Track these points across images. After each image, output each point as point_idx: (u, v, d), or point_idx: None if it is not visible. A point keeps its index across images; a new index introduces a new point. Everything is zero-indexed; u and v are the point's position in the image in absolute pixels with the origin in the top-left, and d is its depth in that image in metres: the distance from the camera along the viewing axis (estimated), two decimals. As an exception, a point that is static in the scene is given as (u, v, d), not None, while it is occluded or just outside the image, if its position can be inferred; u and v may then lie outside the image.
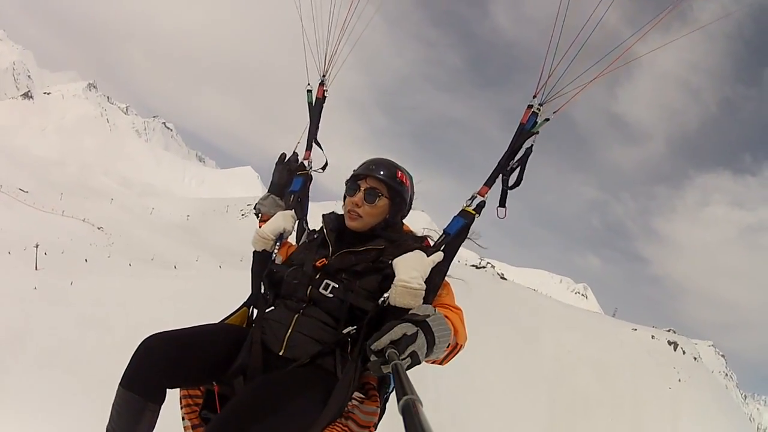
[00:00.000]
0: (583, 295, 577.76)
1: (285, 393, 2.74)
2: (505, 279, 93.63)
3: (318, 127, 4.34)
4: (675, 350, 75.00)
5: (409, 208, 3.62)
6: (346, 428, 2.87)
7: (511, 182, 3.40)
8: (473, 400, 37.86)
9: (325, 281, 3.20)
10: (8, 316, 23.03)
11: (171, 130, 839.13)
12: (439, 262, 3.18)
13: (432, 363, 2.95)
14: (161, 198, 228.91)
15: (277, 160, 4.27)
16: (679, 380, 66.45)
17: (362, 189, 3.38)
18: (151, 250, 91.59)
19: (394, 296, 2.93)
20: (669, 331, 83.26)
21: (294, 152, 4.30)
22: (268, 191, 4.26)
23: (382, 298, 3.04)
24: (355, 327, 3.07)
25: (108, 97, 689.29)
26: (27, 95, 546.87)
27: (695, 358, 78.23)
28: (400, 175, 3.45)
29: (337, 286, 3.17)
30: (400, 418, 1.50)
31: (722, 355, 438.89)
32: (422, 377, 32.04)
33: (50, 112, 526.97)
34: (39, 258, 46.13)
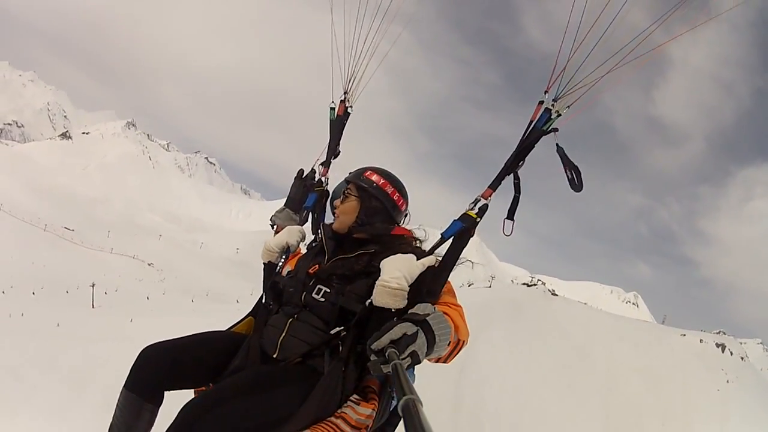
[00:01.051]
0: (634, 303, 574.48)
1: (267, 382, 2.88)
2: (557, 295, 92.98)
3: (339, 144, 4.36)
4: (723, 352, 73.75)
5: (398, 213, 3.59)
6: (335, 428, 2.89)
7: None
8: (530, 419, 37.55)
9: (318, 286, 3.26)
10: (71, 355, 22.80)
11: (214, 164, 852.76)
12: (436, 267, 3.16)
13: (435, 362, 2.95)
14: (209, 233, 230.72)
15: (295, 175, 4.33)
16: (727, 381, 65.65)
17: (342, 192, 3.58)
18: (205, 285, 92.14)
19: (375, 295, 2.96)
20: (718, 333, 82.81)
21: (312, 168, 4.35)
22: (284, 205, 4.31)
23: (369, 300, 3.03)
24: (343, 327, 3.10)
25: (148, 135, 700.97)
26: (65, 135, 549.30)
27: (742, 358, 76.04)
28: (368, 174, 3.52)
29: (328, 290, 3.23)
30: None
31: None
32: (481, 398, 33.07)
33: (91, 152, 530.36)
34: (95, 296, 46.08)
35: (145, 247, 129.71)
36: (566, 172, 3.21)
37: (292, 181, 4.34)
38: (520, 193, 3.30)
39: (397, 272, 2.97)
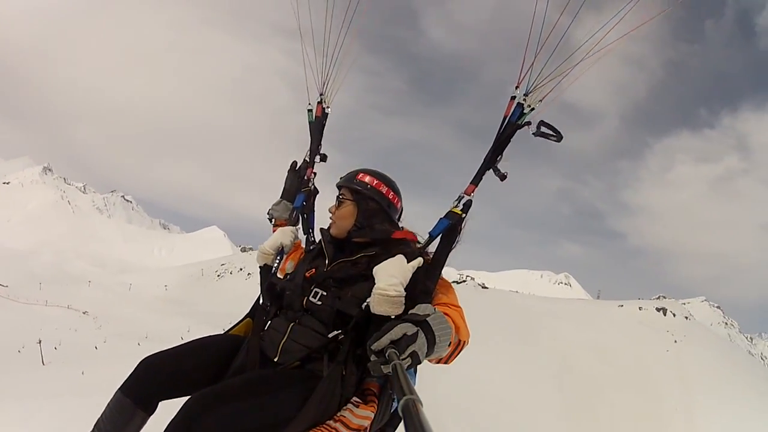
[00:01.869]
0: (566, 284, 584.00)
1: (267, 385, 2.92)
2: (487, 288, 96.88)
3: (320, 144, 4.49)
4: (665, 315, 79.44)
5: (394, 211, 3.64)
6: (334, 431, 2.92)
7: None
8: (490, 407, 39.48)
9: (315, 290, 3.32)
10: (38, 416, 22.45)
11: (131, 202, 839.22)
12: (426, 267, 3.22)
13: (437, 363, 2.98)
14: (136, 273, 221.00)
15: (289, 167, 4.44)
16: (675, 341, 70.34)
17: (336, 197, 3.61)
18: (143, 328, 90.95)
19: (373, 304, 2.98)
20: (658, 298, 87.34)
21: (304, 159, 4.45)
22: (281, 197, 4.41)
23: (365, 303, 3.09)
24: (341, 331, 3.14)
25: (65, 179, 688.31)
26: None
27: (686, 318, 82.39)
28: (361, 176, 3.56)
29: (325, 294, 3.29)
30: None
31: (717, 307, 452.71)
32: (438, 393, 33.28)
33: (13, 202, 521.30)
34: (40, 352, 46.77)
35: (77, 294, 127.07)
36: (551, 139, 3.32)
37: (286, 174, 4.44)
38: (502, 180, 3.33)
39: (393, 279, 2.99)
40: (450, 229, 3.28)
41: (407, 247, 3.39)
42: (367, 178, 3.55)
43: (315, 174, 4.41)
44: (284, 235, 3.87)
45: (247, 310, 3.96)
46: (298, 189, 4.33)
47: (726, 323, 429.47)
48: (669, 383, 59.30)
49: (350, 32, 4.19)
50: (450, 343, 2.78)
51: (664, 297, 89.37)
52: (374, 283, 3.06)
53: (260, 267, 3.84)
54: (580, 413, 49.92)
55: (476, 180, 3.34)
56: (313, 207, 4.31)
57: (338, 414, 2.95)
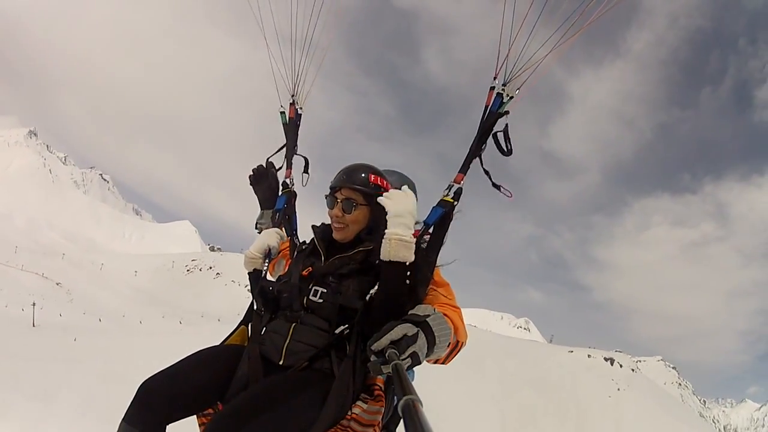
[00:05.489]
0: (525, 329, 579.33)
1: (282, 393, 2.80)
2: None
3: (296, 145, 4.40)
4: (612, 365, 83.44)
5: None
6: (348, 429, 2.91)
7: (487, 164, 3.42)
8: (434, 420, 42.97)
9: (314, 288, 3.24)
10: (32, 375, 23.56)
11: (108, 182, 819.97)
12: (424, 254, 3.21)
13: (435, 363, 3.00)
14: (106, 254, 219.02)
15: (250, 182, 4.35)
16: (618, 389, 74.42)
17: (339, 201, 3.37)
18: (116, 308, 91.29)
19: (388, 249, 2.95)
20: (618, 351, 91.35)
21: (268, 161, 4.36)
22: (261, 208, 4.31)
23: (369, 296, 3.10)
24: (346, 326, 3.09)
25: (48, 146, 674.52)
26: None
27: (633, 370, 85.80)
28: (374, 179, 3.39)
29: (325, 290, 3.21)
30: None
31: (673, 367, 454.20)
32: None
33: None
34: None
35: (51, 265, 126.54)
36: (506, 142, 3.36)
37: (251, 188, 4.38)
38: (485, 168, 3.40)
39: (407, 223, 3.02)
40: (443, 216, 3.34)
41: None
42: (372, 178, 3.42)
43: (295, 176, 4.36)
44: (270, 236, 3.77)
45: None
46: (275, 194, 4.29)
47: (680, 384, 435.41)
48: (605, 425, 63.50)
49: (319, 28, 4.20)
50: (449, 343, 2.83)
51: (619, 351, 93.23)
52: (373, 276, 3.17)
53: (249, 273, 3.70)
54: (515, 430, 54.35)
55: (464, 168, 3.41)
56: (295, 208, 4.26)
57: (350, 412, 2.92)
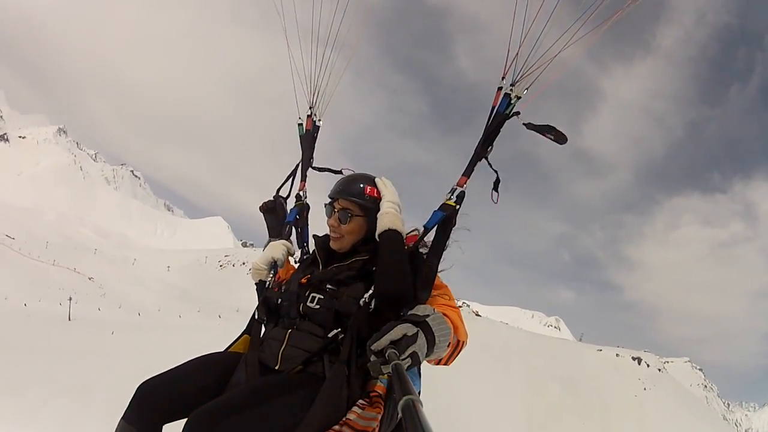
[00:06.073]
0: (555, 327, 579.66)
1: (269, 392, 2.82)
2: (480, 316, 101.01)
3: (311, 157, 4.37)
4: (639, 364, 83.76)
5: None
6: None
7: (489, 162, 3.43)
8: (463, 416, 43.40)
9: (312, 294, 3.27)
10: (67, 370, 23.44)
11: (139, 178, 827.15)
12: (425, 258, 3.28)
13: (436, 363, 3.04)
14: (139, 250, 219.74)
15: (263, 209, 4.35)
16: (645, 389, 74.13)
17: (336, 211, 3.45)
18: (153, 304, 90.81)
19: (384, 221, 3.18)
20: (646, 351, 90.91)
21: (277, 195, 4.35)
22: (269, 236, 4.27)
23: (364, 299, 3.10)
24: (339, 330, 3.10)
25: (78, 143, 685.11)
26: (3, 138, 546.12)
27: (659, 370, 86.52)
28: (369, 191, 3.44)
29: (322, 297, 3.24)
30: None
31: (699, 369, 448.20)
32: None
33: (25, 158, 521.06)
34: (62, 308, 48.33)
35: (82, 260, 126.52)
36: (547, 137, 3.30)
37: (263, 215, 4.35)
38: (493, 168, 3.39)
39: (396, 210, 3.29)
40: (445, 220, 3.35)
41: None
42: (368, 190, 3.46)
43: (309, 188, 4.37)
44: (275, 249, 3.84)
45: (245, 305, 4.89)
46: (282, 223, 4.26)
47: (705, 386, 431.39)
48: (629, 424, 63.43)
49: (345, 26, 4.16)
50: (449, 343, 2.87)
51: (647, 351, 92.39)
52: (370, 282, 3.19)
53: (255, 283, 3.82)
54: (541, 429, 55.10)
55: (468, 172, 3.42)
56: (307, 221, 4.28)
57: (344, 418, 2.88)
